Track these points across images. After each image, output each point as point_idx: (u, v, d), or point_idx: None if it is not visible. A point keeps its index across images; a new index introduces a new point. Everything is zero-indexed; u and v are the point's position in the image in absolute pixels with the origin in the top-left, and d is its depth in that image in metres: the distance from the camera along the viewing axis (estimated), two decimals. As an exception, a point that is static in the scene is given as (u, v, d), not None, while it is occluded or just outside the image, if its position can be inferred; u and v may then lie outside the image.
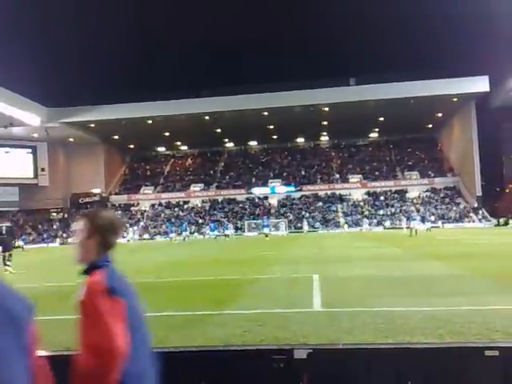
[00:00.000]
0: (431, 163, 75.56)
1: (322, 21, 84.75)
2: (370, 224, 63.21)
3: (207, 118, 67.85)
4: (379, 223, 64.58)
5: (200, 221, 69.88)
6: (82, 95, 67.93)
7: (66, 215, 72.36)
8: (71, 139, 72.40)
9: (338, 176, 76.76)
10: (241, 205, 73.92)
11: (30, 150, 73.14)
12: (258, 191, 75.49)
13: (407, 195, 71.29)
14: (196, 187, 78.26)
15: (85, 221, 2.28)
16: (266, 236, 47.70)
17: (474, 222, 62.17)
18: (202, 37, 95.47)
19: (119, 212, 71.77)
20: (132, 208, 75.23)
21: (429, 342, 5.58)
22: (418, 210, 65.91)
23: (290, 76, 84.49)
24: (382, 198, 71.49)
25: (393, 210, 68.12)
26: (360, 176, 75.43)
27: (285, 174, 78.07)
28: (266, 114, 67.24)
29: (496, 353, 2.59)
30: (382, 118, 71.42)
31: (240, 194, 75.65)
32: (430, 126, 76.39)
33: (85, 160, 75.35)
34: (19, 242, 48.70)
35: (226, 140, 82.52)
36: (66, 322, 5.32)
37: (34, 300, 1.69)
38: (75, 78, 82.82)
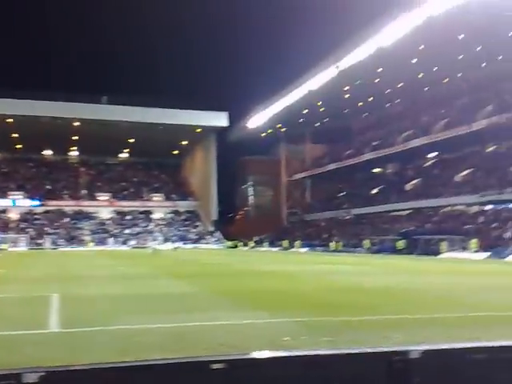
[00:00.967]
0: (175, 187, 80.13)
1: (79, 37, 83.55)
2: (116, 243, 64.07)
3: None
4: (125, 242, 65.90)
5: None
6: None
7: None
8: None
9: (86, 193, 75.74)
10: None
11: None
12: (-3, 203, 69.72)
13: (152, 216, 74.27)
14: None
15: None
16: None
17: (209, 243, 68.19)
18: None
19: None
20: None
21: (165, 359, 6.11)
22: (162, 231, 69.35)
23: (41, 85, 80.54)
24: (128, 217, 73.06)
25: (138, 229, 70.24)
26: (108, 194, 75.76)
27: (28, 187, 73.74)
28: (10, 120, 63.17)
29: (221, 366, 2.65)
30: (132, 140, 73.37)
31: (-24, 206, 68.87)
32: (176, 152, 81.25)
33: None
34: None
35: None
36: None
37: None
38: None
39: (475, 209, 45.72)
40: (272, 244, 63.49)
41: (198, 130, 70.95)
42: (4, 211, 69.56)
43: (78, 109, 63.43)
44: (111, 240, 64.97)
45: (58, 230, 67.31)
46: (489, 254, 34.29)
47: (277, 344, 6.30)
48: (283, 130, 73.24)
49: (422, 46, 43.86)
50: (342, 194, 68.95)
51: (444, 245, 39.04)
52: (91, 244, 63.62)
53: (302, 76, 55.30)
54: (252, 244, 65.28)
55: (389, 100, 61.79)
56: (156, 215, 74.53)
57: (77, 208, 72.53)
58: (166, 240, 61.94)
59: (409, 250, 41.91)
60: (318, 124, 70.11)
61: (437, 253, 38.52)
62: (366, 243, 47.67)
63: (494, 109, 46.74)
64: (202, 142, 75.46)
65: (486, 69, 48.66)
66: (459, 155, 55.12)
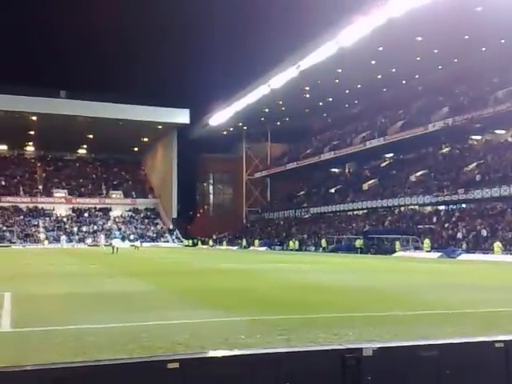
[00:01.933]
0: (135, 184, 79.31)
1: (37, 29, 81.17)
2: (72, 240, 62.90)
3: None
4: (82, 240, 64.77)
5: None
6: None
7: None
8: None
9: (42, 189, 74.05)
10: None
11: None
12: None
13: (111, 213, 73.22)
14: None
15: None
16: None
17: (168, 241, 67.75)
18: None
19: None
20: None
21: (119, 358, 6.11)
22: (120, 229, 68.46)
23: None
24: (86, 214, 71.79)
25: (96, 227, 69.11)
26: (65, 191, 74.32)
27: (-20, 183, 71.62)
28: (-39, 114, 61.25)
29: (176, 365, 2.72)
30: (91, 136, 72.26)
31: None
32: (136, 148, 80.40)
33: None
34: None
35: None
36: None
37: None
38: None
39: (429, 209, 47.01)
40: (231, 242, 63.63)
41: (159, 127, 70.37)
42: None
43: (35, 103, 61.94)
44: (67, 238, 63.66)
45: (12, 228, 65.50)
46: (440, 253, 35.32)
47: (232, 343, 6.32)
48: (244, 128, 73.46)
49: (381, 48, 44.69)
50: (301, 192, 69.64)
51: (398, 244, 40.00)
52: (46, 242, 62.26)
53: (263, 75, 55.60)
54: (211, 242, 65.23)
55: (348, 101, 62.76)
56: (115, 212, 73.51)
57: (32, 205, 70.78)
58: (125, 238, 61.13)
59: (364, 249, 42.76)
60: (279, 123, 70.61)
61: (391, 252, 39.45)
62: (323, 242, 48.32)
63: (449, 111, 48.13)
64: (162, 139, 74.84)
65: (443, 71, 50.01)
66: (415, 156, 56.58)
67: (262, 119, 68.15)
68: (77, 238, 65.53)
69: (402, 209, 49.55)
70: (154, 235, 69.93)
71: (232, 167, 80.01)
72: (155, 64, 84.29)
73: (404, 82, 54.76)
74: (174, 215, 72.21)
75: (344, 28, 43.19)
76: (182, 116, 68.97)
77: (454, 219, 42.15)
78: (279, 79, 54.13)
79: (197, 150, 75.27)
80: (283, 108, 63.62)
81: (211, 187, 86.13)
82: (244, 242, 59.67)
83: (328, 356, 3.16)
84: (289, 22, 67.01)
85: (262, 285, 14.56)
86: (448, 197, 42.97)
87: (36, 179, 76.20)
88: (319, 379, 3.05)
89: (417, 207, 48.11)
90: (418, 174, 50.67)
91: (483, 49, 45.10)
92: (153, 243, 65.45)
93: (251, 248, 56.41)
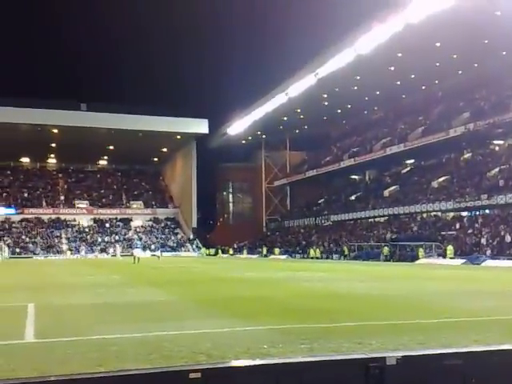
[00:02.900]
0: (155, 194, 79.84)
1: (59, 45, 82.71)
2: (94, 251, 63.47)
3: None
4: (103, 250, 65.32)
5: None
6: None
7: None
8: None
9: (63, 200, 74.99)
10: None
11: None
12: (-29, 212, 68.70)
13: (131, 223, 73.76)
14: None
15: None
16: None
17: (189, 251, 67.94)
18: None
19: None
20: None
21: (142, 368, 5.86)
22: (141, 239, 68.89)
23: (19, 92, 79.54)
24: (107, 225, 72.43)
25: (117, 237, 69.66)
26: (87, 202, 75.13)
27: (4, 195, 72.75)
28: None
29: (198, 375, 2.72)
30: (111, 147, 72.98)
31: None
32: (156, 159, 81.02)
33: None
34: None
35: None
36: None
37: None
38: None
39: (452, 215, 46.36)
40: (251, 251, 63.52)
41: (178, 137, 70.85)
42: (-21, 219, 68.47)
43: (56, 116, 62.87)
44: (88, 248, 64.28)
45: (35, 239, 66.38)
46: (464, 260, 34.76)
47: (254, 352, 6.27)
48: (263, 136, 73.58)
49: (400, 54, 44.45)
50: (321, 200, 69.33)
51: (421, 251, 39.48)
52: (69, 252, 62.91)
53: (281, 83, 55.66)
54: (232, 251, 65.20)
55: (367, 107, 62.44)
56: (135, 222, 74.02)
57: (54, 216, 71.69)
58: (146, 248, 61.51)
59: (386, 257, 42.31)
60: (298, 131, 70.55)
61: (414, 259, 38.94)
62: (345, 250, 47.97)
63: (470, 116, 47.57)
64: (182, 149, 75.31)
65: (462, 76, 49.51)
66: (436, 162, 55.94)
67: (281, 127, 68.14)
68: (99, 248, 66.10)
69: (425, 215, 48.93)
70: (175, 245, 70.20)
71: (251, 176, 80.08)
72: (174, 75, 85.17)
73: (423, 87, 54.34)
74: (194, 224, 72.43)
75: (362, 35, 43.07)
76: (200, 126, 69.37)
77: (477, 225, 41.46)
78: (297, 87, 54.15)
79: (216, 159, 75.70)
80: (301, 116, 63.56)
81: (231, 196, 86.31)
82: (264, 251, 59.50)
83: (351, 365, 3.10)
84: (306, 30, 67.19)
85: (283, 293, 14.46)
86: (471, 203, 42.33)
87: (58, 191, 77.20)
88: None
89: (439, 213, 47.47)
90: (440, 180, 50.06)
91: (503, 53, 44.53)
92: (173, 253, 65.66)
93: (271, 256, 56.22)
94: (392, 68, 47.69)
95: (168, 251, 65.31)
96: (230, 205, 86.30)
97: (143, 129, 66.45)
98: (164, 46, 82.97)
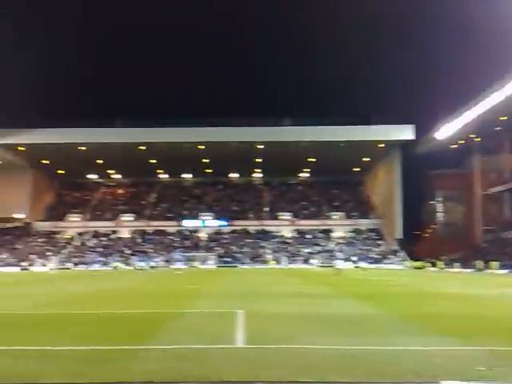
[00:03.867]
0: (355, 204, 78.22)
1: (263, 59, 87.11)
2: (296, 261, 64.11)
3: (143, 147, 66.90)
4: (305, 261, 65.66)
5: (127, 251, 68.26)
6: (13, 117, 64.60)
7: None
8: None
9: (268, 213, 77.74)
10: (171, 237, 73.02)
11: None
12: (189, 224, 75.03)
13: (331, 234, 73.13)
14: (126, 217, 76.61)
15: None
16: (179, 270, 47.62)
17: (393, 263, 64.49)
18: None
19: (42, 239, 68.96)
20: (56, 235, 72.37)
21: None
22: (342, 250, 67.68)
23: (226, 112, 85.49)
24: (308, 236, 72.91)
25: (319, 248, 69.55)
26: (290, 214, 76.75)
27: (216, 208, 78.12)
28: (202, 147, 67.51)
29: None
30: (313, 159, 73.52)
31: (171, 226, 74.86)
32: (358, 169, 79.36)
33: (9, 183, 71.65)
34: None
35: (161, 171, 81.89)
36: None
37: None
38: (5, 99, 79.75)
39: None
40: (464, 265, 57.80)
41: (381, 146, 68.25)
42: (195, 231, 74.40)
43: (261, 132, 65.51)
44: (292, 259, 65.14)
45: (242, 249, 69.66)
46: None
47: (469, 374, 6.00)
48: (476, 140, 67.04)
49: None
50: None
51: None
52: (273, 262, 64.55)
53: (497, 81, 50.01)
54: (441, 265, 60.17)
55: None
56: (336, 234, 73.25)
57: (260, 227, 74.59)
58: (347, 259, 59.99)
59: None
60: (518, 131, 62.65)
61: None
62: None
63: None
64: (384, 158, 72.53)
65: None
66: None
67: (498, 128, 61.19)
68: (301, 259, 66.65)
69: None
70: (378, 256, 67.46)
71: (462, 183, 74.09)
72: (379, 83, 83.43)
73: None
74: (399, 235, 68.83)
75: None
76: (405, 132, 65.84)
77: None
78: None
79: (422, 166, 71.57)
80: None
81: (439, 205, 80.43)
82: (479, 265, 53.53)
83: None
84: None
85: (498, 312, 13.12)
86: None
87: (263, 203, 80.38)
88: None
89: None
90: None
91: None
92: (376, 265, 63.01)
93: (487, 271, 50.27)
94: None
95: (370, 263, 62.95)
96: (439, 214, 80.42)
97: (344, 139, 65.51)
98: (364, 54, 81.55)
